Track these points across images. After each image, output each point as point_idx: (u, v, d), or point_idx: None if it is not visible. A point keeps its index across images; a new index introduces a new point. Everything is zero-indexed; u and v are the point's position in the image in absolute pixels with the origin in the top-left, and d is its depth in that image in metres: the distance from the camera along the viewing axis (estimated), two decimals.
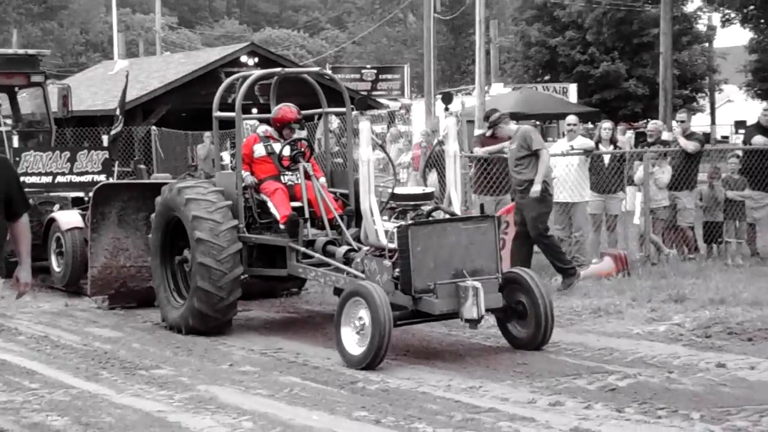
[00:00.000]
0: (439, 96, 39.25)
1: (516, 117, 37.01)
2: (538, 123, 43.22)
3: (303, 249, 12.67)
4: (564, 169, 16.69)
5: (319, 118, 17.96)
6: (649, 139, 18.25)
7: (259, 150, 13.51)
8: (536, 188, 14.76)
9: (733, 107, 64.45)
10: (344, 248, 12.34)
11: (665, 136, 18.37)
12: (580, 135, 17.80)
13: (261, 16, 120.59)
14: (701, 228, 17.65)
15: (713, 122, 58.04)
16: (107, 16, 74.40)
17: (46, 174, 18.32)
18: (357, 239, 12.32)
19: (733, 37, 59.80)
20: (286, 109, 13.68)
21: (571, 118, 18.30)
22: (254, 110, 18.12)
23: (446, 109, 12.64)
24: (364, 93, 41.42)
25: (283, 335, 13.02)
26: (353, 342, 11.06)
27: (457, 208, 12.36)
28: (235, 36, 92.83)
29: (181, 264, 13.61)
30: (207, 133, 28.08)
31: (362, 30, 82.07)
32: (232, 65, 32.12)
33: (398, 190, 12.73)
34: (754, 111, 32.58)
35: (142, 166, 22.52)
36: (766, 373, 10.32)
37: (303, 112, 14.03)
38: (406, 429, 8.73)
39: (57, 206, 17.69)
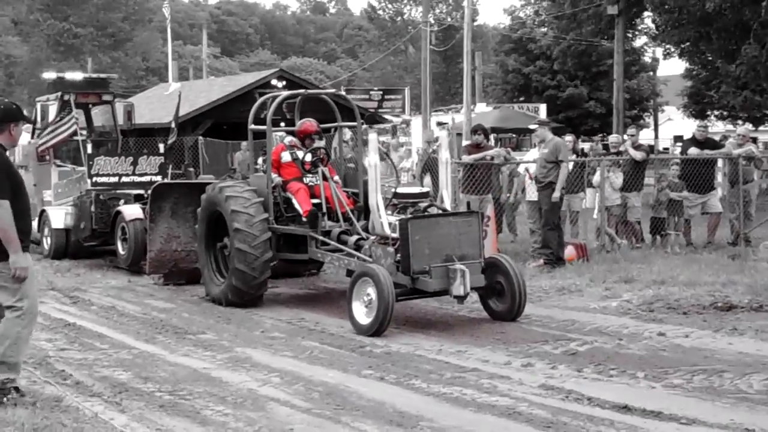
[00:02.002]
0: (434, 113, 39.32)
1: (496, 131, 37.12)
2: (514, 135, 43.22)
3: (321, 237, 12.68)
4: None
5: (334, 131, 17.95)
6: (612, 149, 18.23)
7: (286, 157, 13.52)
8: (556, 195, 15.22)
9: (672, 124, 64.23)
10: (355, 237, 12.34)
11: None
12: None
13: (288, 47, 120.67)
14: (648, 222, 17.63)
15: (656, 136, 57.81)
16: (164, 47, 74.34)
17: (114, 175, 18.30)
18: (365, 230, 12.33)
19: (672, 67, 59.76)
20: (308, 124, 13.70)
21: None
22: (282, 124, 18.04)
23: (438, 123, 12.66)
24: (372, 110, 41.35)
25: (304, 308, 13.02)
26: (362, 314, 11.06)
27: (448, 205, 12.36)
28: (267, 63, 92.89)
29: (222, 249, 13.59)
30: (244, 143, 28.04)
31: (371, 59, 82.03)
32: (264, 87, 32.00)
33: (399, 190, 12.74)
34: (690, 127, 32.53)
35: (191, 169, 22.52)
36: (698, 341, 10.32)
37: (321, 125, 14.03)
38: (405, 385, 8.74)
39: (122, 201, 17.68)
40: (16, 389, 7.92)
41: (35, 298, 8.11)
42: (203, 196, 13.73)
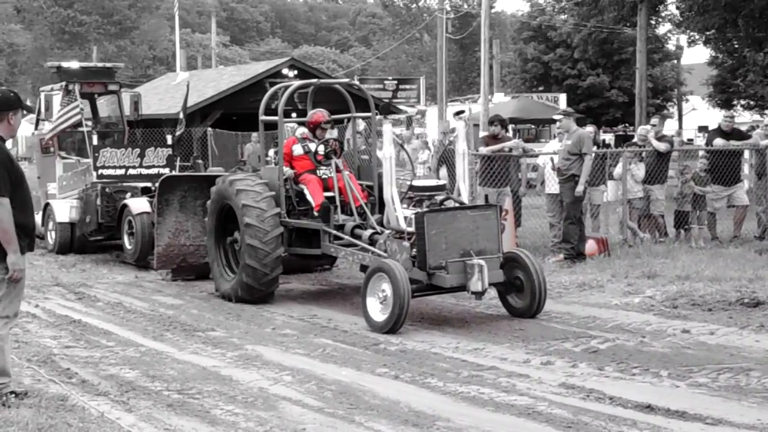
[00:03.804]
0: (450, 103, 39.25)
1: (514, 122, 37.05)
2: (533, 126, 43.14)
3: (334, 232, 12.68)
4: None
5: (348, 122, 17.96)
6: (640, 142, 18.16)
7: (297, 150, 13.52)
8: (579, 188, 15.19)
9: (697, 114, 64.06)
10: (369, 231, 12.33)
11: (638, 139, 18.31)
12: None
13: (300, 35, 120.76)
14: (671, 216, 17.60)
15: (680, 127, 57.73)
16: (171, 35, 74.47)
17: (120, 167, 18.35)
18: (380, 224, 12.32)
19: (697, 55, 59.62)
20: (318, 114, 13.70)
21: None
22: (294, 114, 18.06)
23: (456, 114, 12.66)
24: (387, 101, 41.31)
25: (317, 304, 13.03)
26: (377, 310, 11.06)
27: (465, 198, 12.35)
28: (277, 52, 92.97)
29: (232, 244, 13.62)
30: (254, 134, 28.09)
31: (385, 47, 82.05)
32: (275, 77, 32.07)
33: (415, 183, 12.73)
34: (715, 118, 32.44)
35: (200, 161, 22.56)
36: (723, 338, 10.30)
37: (334, 116, 14.03)
38: (421, 383, 8.74)
39: (129, 194, 17.73)
40: (15, 394, 7.82)
41: (16, 301, 7.91)
42: (213, 189, 13.75)
